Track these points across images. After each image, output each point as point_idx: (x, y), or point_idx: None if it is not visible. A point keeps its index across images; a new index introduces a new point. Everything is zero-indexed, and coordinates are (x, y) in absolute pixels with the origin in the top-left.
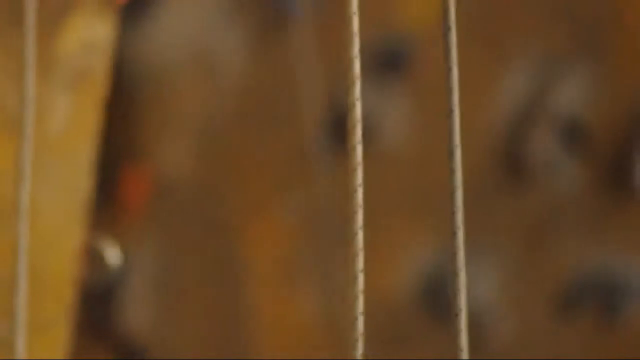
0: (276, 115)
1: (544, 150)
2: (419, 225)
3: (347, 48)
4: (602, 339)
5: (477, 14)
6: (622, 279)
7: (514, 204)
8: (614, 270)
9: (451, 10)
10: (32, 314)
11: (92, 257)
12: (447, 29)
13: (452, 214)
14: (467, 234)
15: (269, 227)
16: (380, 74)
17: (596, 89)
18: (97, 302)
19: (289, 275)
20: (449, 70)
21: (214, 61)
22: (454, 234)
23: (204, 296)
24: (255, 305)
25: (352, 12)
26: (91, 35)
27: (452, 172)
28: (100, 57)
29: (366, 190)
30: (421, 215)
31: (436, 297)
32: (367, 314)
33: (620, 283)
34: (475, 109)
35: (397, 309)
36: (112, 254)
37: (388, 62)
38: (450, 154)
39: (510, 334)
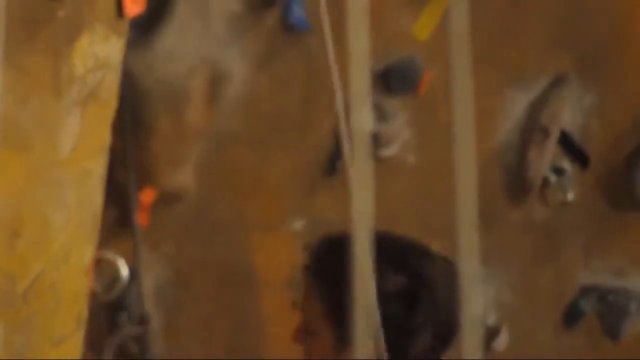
0: (282, 130)
1: (549, 165)
2: (423, 237)
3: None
4: (605, 351)
5: (483, 34)
6: (626, 292)
7: (519, 218)
8: (618, 283)
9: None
10: (47, 327)
11: (103, 270)
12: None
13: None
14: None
15: (275, 237)
16: (386, 91)
17: (600, 105)
18: (109, 313)
19: (293, 284)
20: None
21: (220, 77)
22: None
23: (213, 304)
24: (263, 312)
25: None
26: (101, 54)
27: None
28: (110, 75)
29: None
30: (429, 229)
31: None
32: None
33: (624, 295)
34: (482, 126)
35: None
36: (122, 267)
37: (396, 79)
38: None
39: (516, 346)
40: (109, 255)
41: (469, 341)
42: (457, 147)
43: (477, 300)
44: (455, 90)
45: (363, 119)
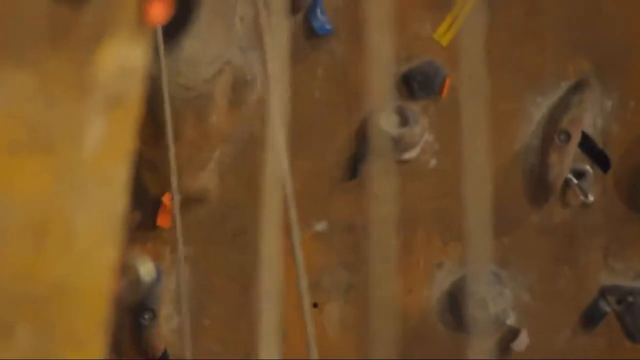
0: (304, 133)
1: (570, 168)
2: (444, 239)
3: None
4: (625, 352)
5: (504, 39)
6: None
7: (540, 221)
8: (638, 284)
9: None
10: (69, 330)
11: (128, 272)
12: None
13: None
14: (494, 251)
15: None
16: (408, 95)
17: (620, 109)
18: (131, 315)
19: (314, 285)
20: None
21: (243, 81)
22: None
23: (234, 304)
24: (283, 314)
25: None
26: (126, 59)
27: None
28: (135, 80)
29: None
30: (450, 231)
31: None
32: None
33: None
34: (502, 130)
35: (422, 320)
36: (147, 270)
37: (418, 83)
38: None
39: (536, 347)
40: (134, 258)
41: (483, 342)
42: (471, 151)
43: (498, 301)
44: (465, 95)
45: (386, 122)
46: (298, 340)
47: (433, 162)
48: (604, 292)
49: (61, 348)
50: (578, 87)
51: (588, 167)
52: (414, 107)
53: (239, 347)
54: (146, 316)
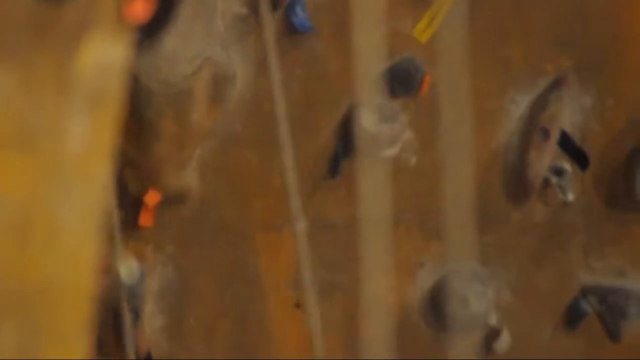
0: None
1: (549, 166)
2: (425, 238)
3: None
4: (606, 352)
5: (484, 36)
6: (626, 292)
7: (520, 219)
8: (618, 283)
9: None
10: (54, 328)
11: (110, 272)
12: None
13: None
14: (475, 250)
15: (278, 238)
16: (388, 93)
17: (599, 106)
18: (114, 314)
19: (296, 284)
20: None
21: (224, 78)
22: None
23: (217, 303)
24: (266, 313)
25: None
26: (108, 56)
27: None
28: (116, 77)
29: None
30: (430, 229)
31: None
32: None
33: (624, 296)
34: (482, 127)
35: (404, 319)
36: (129, 268)
37: (397, 80)
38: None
39: (516, 347)
40: (117, 257)
41: (468, 341)
42: (454, 149)
43: (479, 300)
44: (453, 92)
45: (368, 120)
46: (285, 339)
47: (413, 160)
48: (585, 292)
49: (46, 345)
50: (557, 84)
51: (567, 165)
52: (393, 105)
53: (222, 346)
54: (129, 316)
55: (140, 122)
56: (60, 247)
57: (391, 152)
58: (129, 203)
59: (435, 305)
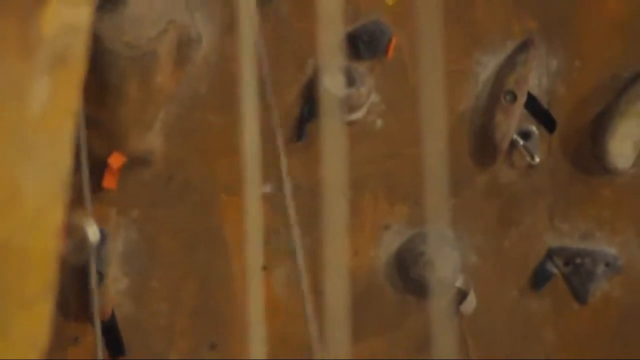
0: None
1: (515, 127)
2: (391, 201)
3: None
4: (573, 313)
5: None
6: (592, 254)
7: (486, 182)
8: (585, 245)
9: None
10: (17, 291)
11: (73, 233)
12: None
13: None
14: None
15: (241, 201)
16: (354, 55)
17: (566, 69)
18: (78, 276)
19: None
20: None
21: (189, 40)
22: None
23: (181, 265)
24: (231, 275)
25: None
26: (71, 17)
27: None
28: (79, 38)
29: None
30: (397, 192)
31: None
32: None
33: (591, 258)
34: (448, 90)
35: (370, 283)
36: (92, 230)
37: (363, 43)
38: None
39: (483, 309)
40: (79, 218)
41: (431, 303)
42: (424, 110)
43: (447, 263)
44: (422, 54)
45: (332, 82)
46: (246, 301)
47: (379, 123)
48: (550, 254)
49: (9, 307)
50: (523, 46)
51: (534, 128)
52: (359, 68)
53: (185, 307)
54: (93, 278)
55: (104, 84)
56: (22, 209)
57: (357, 115)
58: (92, 165)
59: (401, 268)
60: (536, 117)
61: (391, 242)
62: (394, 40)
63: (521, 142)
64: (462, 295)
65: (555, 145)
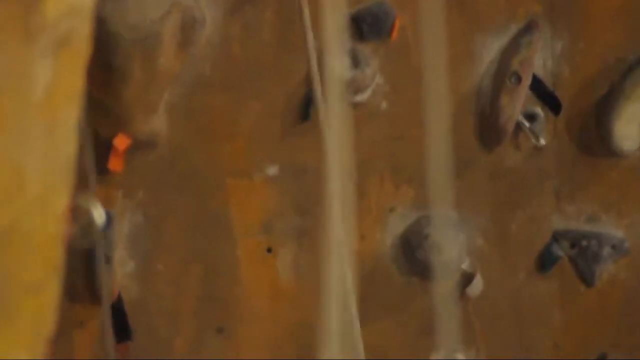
0: (256, 75)
1: (520, 109)
2: (396, 183)
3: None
4: (579, 296)
5: None
6: (599, 236)
7: (491, 164)
8: (590, 228)
9: None
10: (23, 276)
11: (79, 216)
12: None
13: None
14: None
15: (248, 183)
16: (358, 37)
17: (570, 51)
18: (84, 259)
19: (267, 230)
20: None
21: (193, 22)
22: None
23: (186, 248)
24: (236, 258)
25: None
26: (73, 1)
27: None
28: (83, 21)
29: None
30: (401, 174)
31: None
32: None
33: (597, 240)
34: (453, 72)
35: (373, 267)
36: (98, 213)
37: (368, 24)
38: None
39: (489, 292)
40: (85, 201)
41: (438, 286)
42: (428, 92)
43: (452, 245)
44: (425, 36)
45: (337, 64)
46: (252, 285)
47: (384, 105)
48: (556, 237)
49: (15, 293)
50: (528, 28)
51: (539, 110)
52: (364, 49)
53: (192, 291)
54: (101, 261)
55: (107, 67)
56: (27, 194)
57: (362, 97)
58: (97, 147)
59: (407, 251)
60: (541, 99)
61: (397, 225)
62: (397, 22)
63: (527, 124)
64: (468, 278)
65: (561, 127)
